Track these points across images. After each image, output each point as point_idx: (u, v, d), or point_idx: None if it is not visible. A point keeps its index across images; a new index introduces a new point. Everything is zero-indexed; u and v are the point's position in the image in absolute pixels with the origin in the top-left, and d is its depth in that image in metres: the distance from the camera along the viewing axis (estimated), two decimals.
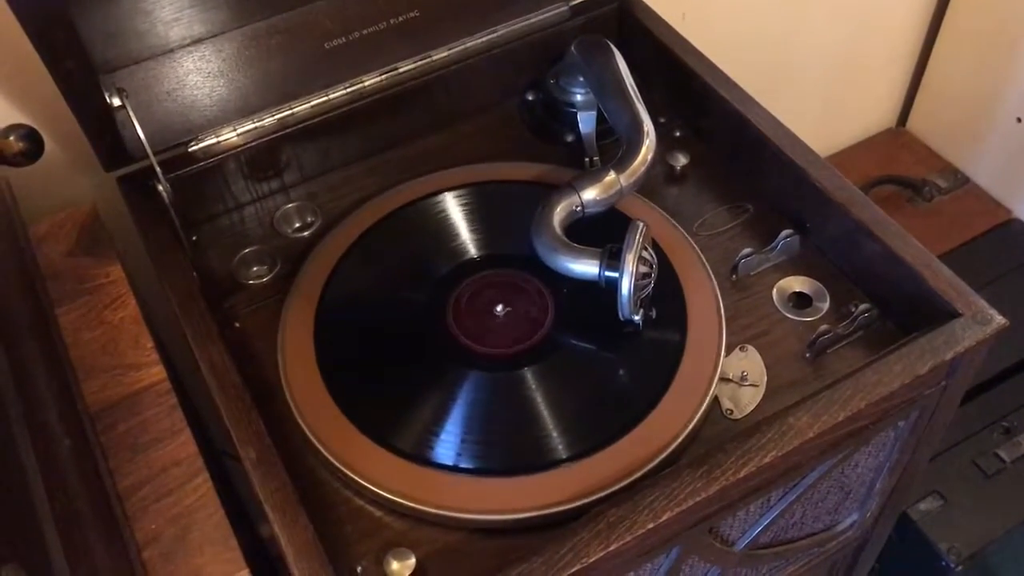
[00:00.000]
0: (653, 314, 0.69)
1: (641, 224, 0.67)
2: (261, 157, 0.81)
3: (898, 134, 1.61)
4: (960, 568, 1.12)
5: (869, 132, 1.61)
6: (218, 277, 0.78)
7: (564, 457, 0.64)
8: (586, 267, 0.68)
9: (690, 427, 0.65)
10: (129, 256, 0.81)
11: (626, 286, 0.65)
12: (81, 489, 0.60)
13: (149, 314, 0.76)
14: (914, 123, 1.59)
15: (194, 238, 0.80)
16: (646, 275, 0.67)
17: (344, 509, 0.64)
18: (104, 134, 0.70)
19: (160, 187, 0.70)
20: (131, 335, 0.71)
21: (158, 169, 0.70)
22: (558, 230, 0.70)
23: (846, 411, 0.61)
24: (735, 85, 0.82)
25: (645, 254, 0.66)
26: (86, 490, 0.60)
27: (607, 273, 0.67)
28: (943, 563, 1.12)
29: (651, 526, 0.57)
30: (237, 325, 0.74)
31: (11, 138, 0.68)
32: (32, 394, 0.64)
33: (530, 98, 0.88)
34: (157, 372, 0.69)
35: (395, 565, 0.60)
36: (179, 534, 0.61)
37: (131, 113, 0.67)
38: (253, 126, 0.80)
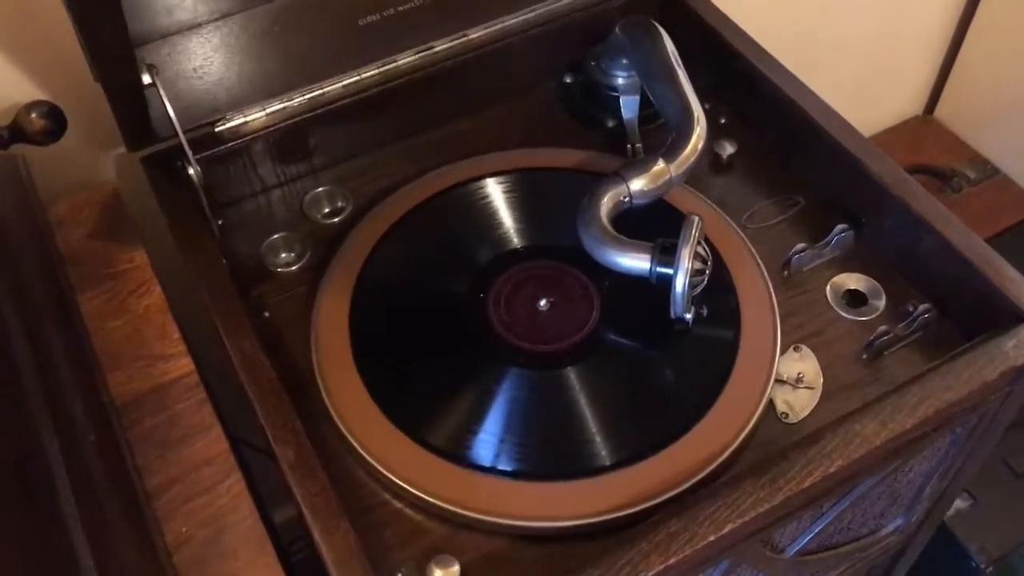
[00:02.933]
0: (704, 312, 0.66)
1: (697, 219, 0.63)
2: (289, 138, 0.78)
3: (925, 122, 1.57)
4: (990, 569, 1.10)
5: (896, 120, 1.57)
6: (246, 264, 0.74)
7: (615, 462, 0.61)
8: (636, 262, 0.64)
9: (744, 433, 0.62)
10: (148, 241, 0.77)
11: (680, 283, 0.62)
12: (109, 489, 0.57)
13: (169, 301, 0.73)
14: (942, 111, 1.56)
15: (220, 222, 0.77)
16: (700, 271, 0.63)
17: (382, 512, 0.61)
18: (132, 112, 0.66)
19: (191, 170, 0.67)
20: (157, 324, 0.68)
21: (189, 151, 0.66)
22: (606, 222, 0.66)
23: (914, 418, 0.58)
24: (784, 69, 0.78)
25: (700, 249, 0.63)
26: (114, 490, 0.57)
27: (659, 269, 0.64)
28: (973, 563, 1.10)
29: (712, 538, 0.54)
30: (266, 315, 0.71)
31: (33, 115, 0.65)
32: (55, 386, 0.61)
33: (569, 81, 0.85)
34: (185, 364, 0.66)
35: (439, 573, 0.57)
36: (211, 537, 0.58)
37: (161, 91, 0.63)
38: (282, 106, 0.76)
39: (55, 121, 0.65)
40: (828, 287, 0.71)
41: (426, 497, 0.60)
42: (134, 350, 0.66)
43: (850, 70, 1.41)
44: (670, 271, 0.63)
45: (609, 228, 0.66)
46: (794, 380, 0.66)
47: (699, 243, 0.63)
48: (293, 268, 0.74)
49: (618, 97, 0.80)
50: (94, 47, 0.59)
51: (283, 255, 0.75)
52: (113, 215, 0.75)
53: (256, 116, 0.76)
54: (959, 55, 1.47)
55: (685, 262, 0.62)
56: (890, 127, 1.56)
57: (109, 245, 0.73)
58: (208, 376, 0.69)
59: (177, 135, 0.69)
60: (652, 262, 0.64)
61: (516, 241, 0.73)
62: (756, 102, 0.80)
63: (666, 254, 0.63)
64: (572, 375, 0.65)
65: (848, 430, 0.58)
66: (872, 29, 1.36)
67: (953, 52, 1.48)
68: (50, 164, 0.78)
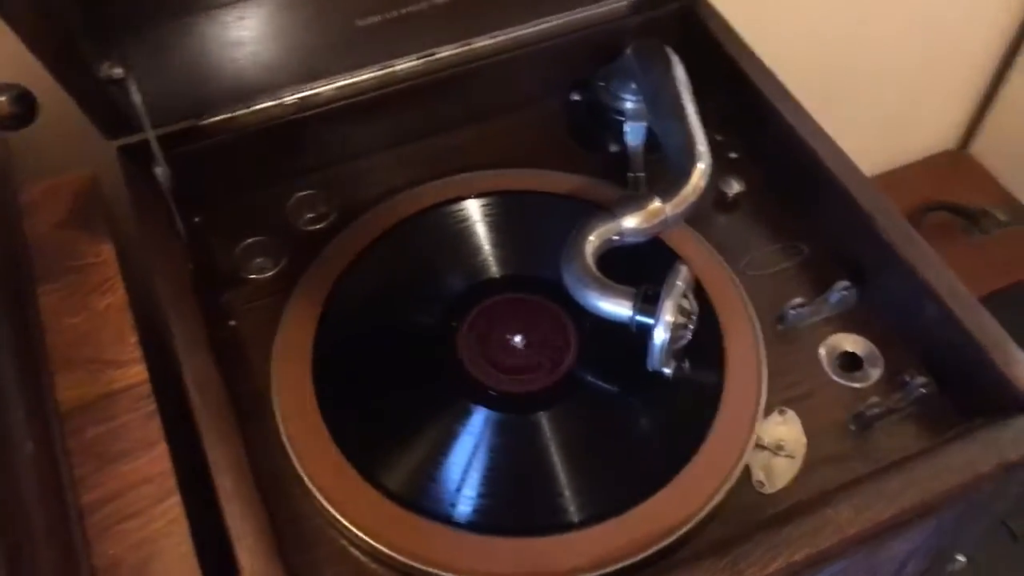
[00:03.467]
0: (687, 367, 0.62)
1: (684, 268, 0.60)
2: (277, 138, 0.74)
3: (958, 157, 1.52)
4: None
5: (926, 152, 1.51)
6: (218, 267, 0.71)
7: (577, 520, 0.57)
8: (617, 308, 0.61)
9: (716, 500, 0.58)
10: (130, 235, 0.74)
11: (659, 337, 0.58)
12: (38, 504, 0.54)
13: (146, 299, 0.70)
14: (977, 147, 1.50)
15: (196, 219, 0.74)
16: (684, 326, 0.60)
17: (327, 549, 0.58)
18: (101, 106, 0.63)
19: (157, 169, 0.64)
20: (115, 326, 0.65)
21: (156, 150, 0.63)
22: (590, 260, 0.62)
23: (893, 507, 0.55)
24: (801, 109, 0.74)
25: (685, 303, 0.59)
26: (43, 506, 0.54)
27: (640, 318, 0.60)
28: None
29: None
30: (232, 323, 0.68)
31: (2, 98, 0.62)
32: None
33: (575, 99, 0.81)
34: (137, 372, 0.63)
35: None
36: (140, 564, 0.55)
37: (132, 88, 0.60)
38: (272, 103, 0.73)
39: (24, 107, 0.62)
40: (823, 347, 0.67)
41: (374, 543, 0.56)
42: (88, 352, 0.63)
43: (884, 98, 1.35)
44: (651, 321, 0.59)
45: (592, 268, 0.62)
46: (774, 447, 0.62)
47: (685, 295, 0.59)
48: (267, 275, 0.71)
49: (624, 122, 0.76)
50: (46, 62, 0.56)
51: (258, 260, 0.72)
52: (86, 204, 0.72)
53: (243, 112, 0.73)
54: (1001, 90, 1.42)
55: (667, 315, 0.58)
56: (920, 159, 1.51)
57: (77, 235, 0.70)
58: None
59: (155, 130, 0.66)
60: (634, 310, 0.60)
61: (497, 269, 0.70)
62: (769, 140, 0.76)
63: (648, 303, 0.59)
64: (540, 421, 0.62)
65: (820, 516, 0.54)
66: (910, 54, 1.30)
67: (994, 87, 1.42)
68: (38, 140, 0.75)
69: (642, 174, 0.76)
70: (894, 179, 1.46)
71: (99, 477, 0.58)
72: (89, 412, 0.61)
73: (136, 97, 0.60)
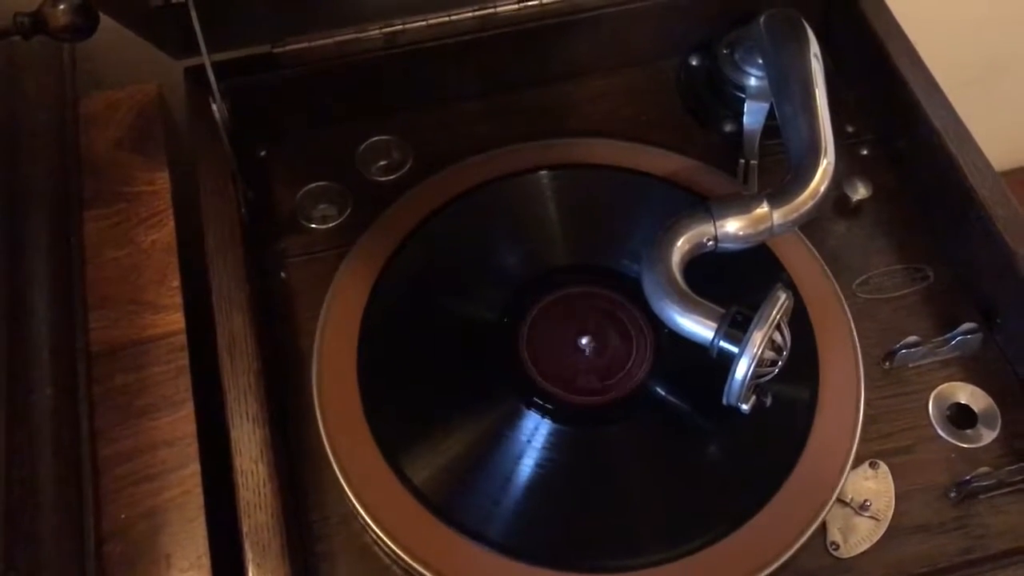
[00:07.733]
0: (768, 402, 0.55)
1: (784, 296, 0.52)
2: (358, 75, 0.68)
3: None
4: None
5: None
6: (279, 209, 0.66)
7: (620, 563, 0.52)
8: (699, 327, 0.53)
9: (783, 559, 0.52)
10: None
11: (742, 371, 0.51)
12: (49, 457, 0.51)
13: (197, 238, 0.65)
14: None
15: (262, 153, 0.68)
16: (772, 363, 0.52)
17: (339, 540, 0.54)
18: (161, 28, 0.58)
19: (214, 106, 0.58)
20: (158, 266, 0.61)
21: (214, 87, 0.57)
22: (676, 268, 0.55)
23: None
24: (953, 113, 0.63)
25: (778, 336, 0.51)
26: (55, 460, 0.51)
27: (723, 343, 0.52)
28: None
29: None
30: (283, 276, 0.63)
31: (59, 8, 0.57)
32: (24, 320, 0.55)
33: (694, 63, 0.71)
34: (175, 320, 0.59)
35: None
36: (148, 533, 0.52)
37: (193, 13, 0.54)
38: (354, 37, 0.67)
39: (83, 18, 0.57)
40: (933, 395, 0.58)
41: (394, 547, 0.52)
42: (126, 291, 0.59)
43: None
44: (734, 350, 0.51)
45: (677, 277, 0.54)
46: (859, 505, 0.54)
47: (779, 327, 0.51)
48: (328, 225, 0.66)
49: (744, 100, 0.67)
50: None
51: (320, 207, 0.66)
52: (147, 123, 0.67)
53: (323, 43, 0.66)
54: None
55: (754, 348, 0.50)
56: None
57: (133, 158, 0.65)
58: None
59: (224, 54, 0.60)
60: (717, 334, 0.52)
61: (573, 256, 0.62)
62: (909, 143, 0.66)
63: (736, 328, 0.52)
64: (598, 439, 0.56)
65: None
66: None
67: None
68: (115, 54, 0.70)
69: (755, 162, 0.67)
70: None
71: (120, 431, 0.55)
72: (119, 358, 0.57)
73: (196, 23, 0.54)
